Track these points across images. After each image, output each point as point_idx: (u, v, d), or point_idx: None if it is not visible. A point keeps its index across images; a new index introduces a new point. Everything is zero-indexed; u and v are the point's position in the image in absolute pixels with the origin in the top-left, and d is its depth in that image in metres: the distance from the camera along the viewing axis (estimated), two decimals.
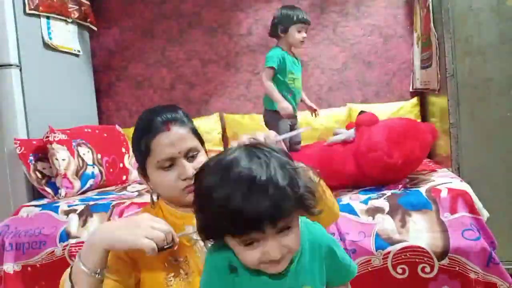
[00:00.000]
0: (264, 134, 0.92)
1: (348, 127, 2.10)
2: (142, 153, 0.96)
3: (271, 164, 0.66)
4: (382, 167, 1.82)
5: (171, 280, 0.91)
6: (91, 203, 2.05)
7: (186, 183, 0.94)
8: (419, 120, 2.65)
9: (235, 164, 0.67)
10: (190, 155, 0.96)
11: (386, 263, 1.62)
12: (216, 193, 0.66)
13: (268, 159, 0.67)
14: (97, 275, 0.80)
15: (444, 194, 1.70)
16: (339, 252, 0.80)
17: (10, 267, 1.95)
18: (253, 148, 0.70)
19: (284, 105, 2.02)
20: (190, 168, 0.94)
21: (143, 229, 0.80)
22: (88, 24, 2.96)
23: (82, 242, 1.87)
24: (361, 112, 2.05)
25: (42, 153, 2.28)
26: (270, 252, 0.67)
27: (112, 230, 0.81)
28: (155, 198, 1.03)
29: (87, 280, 0.79)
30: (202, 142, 1.02)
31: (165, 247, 0.83)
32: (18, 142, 2.20)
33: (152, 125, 0.94)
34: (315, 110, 2.31)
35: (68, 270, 0.83)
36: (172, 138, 0.94)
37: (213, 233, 0.71)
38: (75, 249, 1.89)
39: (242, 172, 0.65)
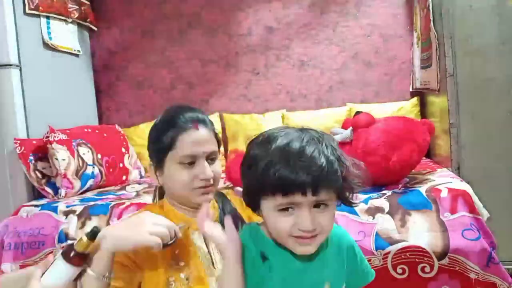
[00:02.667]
0: None
1: (344, 125, 2.10)
2: (164, 146, 0.97)
3: (322, 142, 0.71)
4: (380, 171, 1.82)
5: (172, 284, 0.92)
6: (91, 203, 2.05)
7: (202, 184, 0.96)
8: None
9: (285, 135, 0.72)
10: (211, 157, 0.99)
11: (386, 263, 1.61)
12: (265, 158, 0.70)
13: (320, 137, 0.72)
14: (105, 279, 0.81)
15: (444, 194, 1.70)
16: (359, 255, 0.81)
17: (8, 266, 1.95)
18: (303, 128, 0.74)
19: None
20: (210, 170, 0.96)
21: (147, 226, 0.81)
22: (88, 24, 2.96)
23: None
24: (357, 112, 2.05)
25: (42, 153, 2.28)
26: (303, 221, 0.68)
27: (117, 233, 0.82)
28: (157, 198, 1.05)
29: (96, 284, 0.81)
30: (219, 147, 1.05)
31: (169, 242, 0.84)
32: (18, 142, 2.20)
33: (181, 120, 0.97)
34: None
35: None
36: (199, 138, 0.97)
37: (255, 194, 0.73)
38: None
39: (291, 142, 0.70)
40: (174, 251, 0.94)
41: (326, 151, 0.69)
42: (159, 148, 0.98)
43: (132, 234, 0.81)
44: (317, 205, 0.70)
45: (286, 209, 0.70)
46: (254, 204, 0.75)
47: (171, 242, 0.85)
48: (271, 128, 0.76)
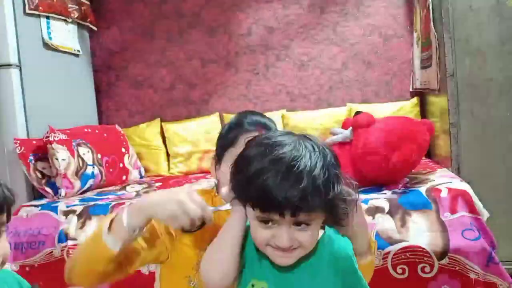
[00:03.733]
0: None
1: (344, 125, 2.10)
2: (227, 143, 1.02)
3: (315, 159, 0.68)
4: (380, 170, 1.82)
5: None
6: (91, 203, 2.05)
7: None
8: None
9: (280, 145, 0.69)
10: None
11: (386, 263, 1.61)
12: (253, 165, 0.69)
13: (315, 152, 0.68)
14: (133, 233, 0.87)
15: (444, 194, 1.70)
16: (359, 271, 0.77)
17: (8, 267, 1.94)
18: (304, 137, 0.71)
19: None
20: None
21: (177, 210, 0.84)
22: (88, 24, 2.96)
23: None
24: (357, 112, 2.05)
25: (42, 153, 2.28)
26: (280, 238, 0.68)
27: (158, 202, 0.87)
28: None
29: (123, 233, 0.87)
30: None
31: (192, 230, 0.87)
32: (18, 142, 2.20)
33: (245, 122, 1.03)
34: None
35: (109, 217, 0.91)
36: None
37: (239, 197, 0.74)
38: (72, 251, 1.88)
39: (284, 154, 0.67)
40: (212, 238, 0.97)
41: (317, 171, 0.67)
42: (222, 144, 1.04)
43: (164, 213, 0.85)
44: (297, 223, 0.69)
45: (266, 221, 0.70)
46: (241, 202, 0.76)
47: (194, 230, 0.87)
48: (273, 132, 0.75)
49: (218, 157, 1.05)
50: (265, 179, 0.66)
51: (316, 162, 0.67)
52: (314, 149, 0.69)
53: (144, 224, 0.89)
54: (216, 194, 1.07)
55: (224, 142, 1.03)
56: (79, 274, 0.94)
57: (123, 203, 2.00)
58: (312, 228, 0.70)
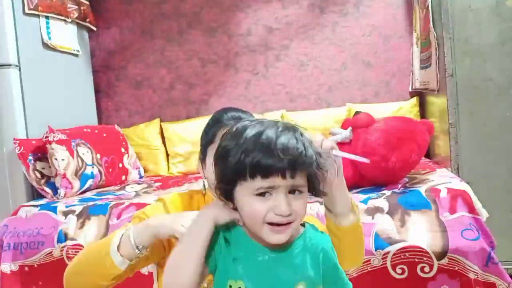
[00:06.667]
0: (322, 140, 0.90)
1: (344, 125, 2.10)
2: (208, 140, 1.03)
3: (298, 131, 0.74)
4: (380, 171, 1.82)
5: None
6: (90, 203, 2.05)
7: None
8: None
9: (259, 125, 0.74)
10: None
11: (386, 263, 1.61)
12: (248, 131, 0.72)
13: (294, 127, 0.74)
14: (137, 250, 0.90)
15: (443, 194, 1.70)
16: (337, 264, 0.79)
17: (7, 266, 1.95)
18: (278, 120, 0.77)
19: None
20: None
21: (184, 220, 0.86)
22: (87, 24, 2.96)
23: (79, 245, 1.88)
24: (357, 112, 2.05)
25: (41, 153, 2.28)
26: (279, 205, 0.70)
27: (163, 222, 0.90)
28: (206, 185, 1.08)
29: (129, 249, 0.90)
30: None
31: None
32: (18, 142, 2.20)
33: (224, 117, 1.05)
34: None
35: (121, 231, 0.94)
36: None
37: (230, 181, 0.73)
38: (72, 251, 1.88)
39: (267, 129, 0.72)
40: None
41: (302, 138, 0.72)
42: (204, 142, 1.05)
43: (169, 223, 0.88)
44: (292, 191, 0.72)
45: (262, 194, 0.71)
46: (226, 194, 0.75)
47: None
48: (244, 120, 0.77)
49: (203, 155, 1.05)
50: (259, 151, 0.69)
51: (300, 133, 0.73)
52: (291, 124, 0.75)
53: (148, 242, 0.90)
54: (204, 193, 1.07)
55: (206, 139, 1.04)
56: (80, 285, 0.95)
57: (122, 203, 2.00)
58: (304, 197, 0.73)
